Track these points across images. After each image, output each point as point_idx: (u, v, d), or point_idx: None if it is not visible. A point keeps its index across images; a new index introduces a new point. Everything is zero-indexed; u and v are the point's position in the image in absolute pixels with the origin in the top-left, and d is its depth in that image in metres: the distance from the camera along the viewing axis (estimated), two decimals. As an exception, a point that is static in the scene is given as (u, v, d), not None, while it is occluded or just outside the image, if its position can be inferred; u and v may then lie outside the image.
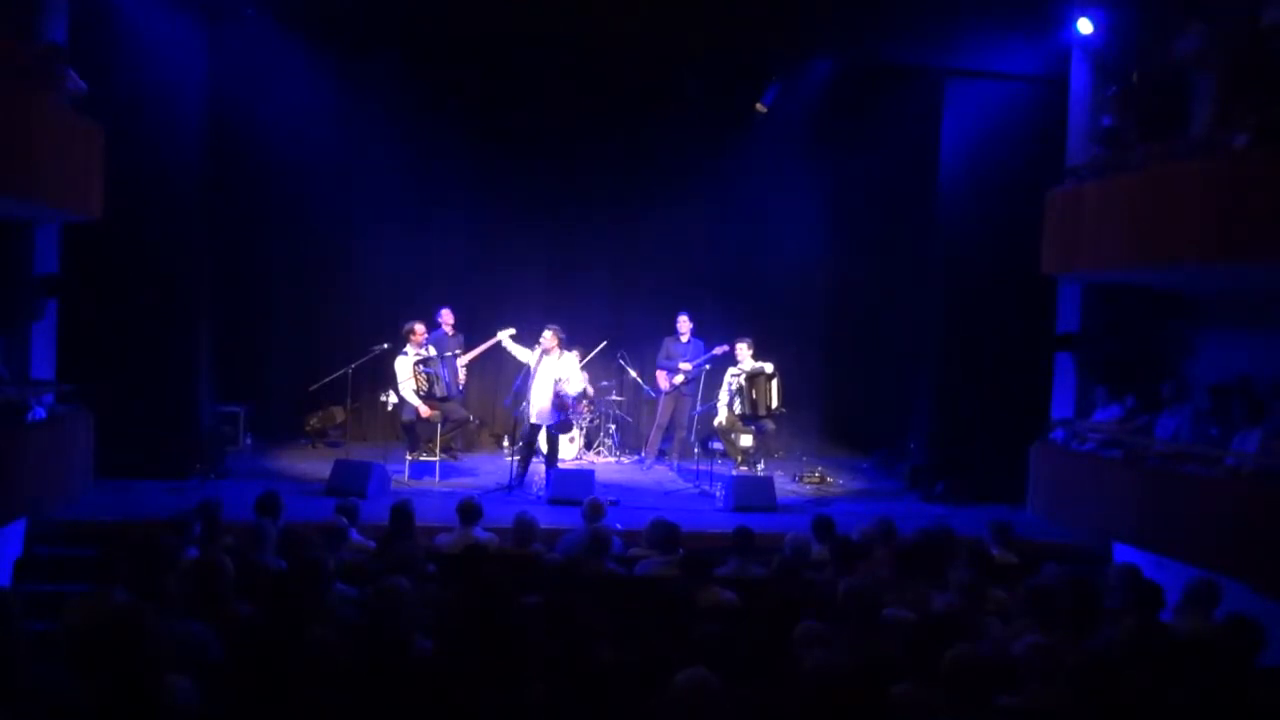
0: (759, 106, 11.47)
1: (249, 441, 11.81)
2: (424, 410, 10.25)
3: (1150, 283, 9.66)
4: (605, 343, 11.86)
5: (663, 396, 11.70)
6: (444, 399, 10.43)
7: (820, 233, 13.08)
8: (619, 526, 7.83)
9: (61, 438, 8.63)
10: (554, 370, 10.09)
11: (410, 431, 10.48)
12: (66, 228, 9.30)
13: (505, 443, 12.12)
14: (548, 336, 10.09)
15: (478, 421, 12.45)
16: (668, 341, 11.77)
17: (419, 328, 10.47)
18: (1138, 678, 4.50)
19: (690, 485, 10.62)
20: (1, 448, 7.46)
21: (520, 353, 10.36)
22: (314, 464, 10.81)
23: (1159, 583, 5.72)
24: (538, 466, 10.38)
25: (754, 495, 9.52)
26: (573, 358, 10.34)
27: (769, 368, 10.85)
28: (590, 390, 11.35)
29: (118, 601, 4.82)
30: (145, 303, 9.66)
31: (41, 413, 8.33)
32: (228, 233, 11.13)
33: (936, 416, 10.89)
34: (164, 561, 5.20)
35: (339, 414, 12.06)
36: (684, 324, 11.67)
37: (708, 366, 11.18)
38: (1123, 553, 8.68)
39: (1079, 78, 10.33)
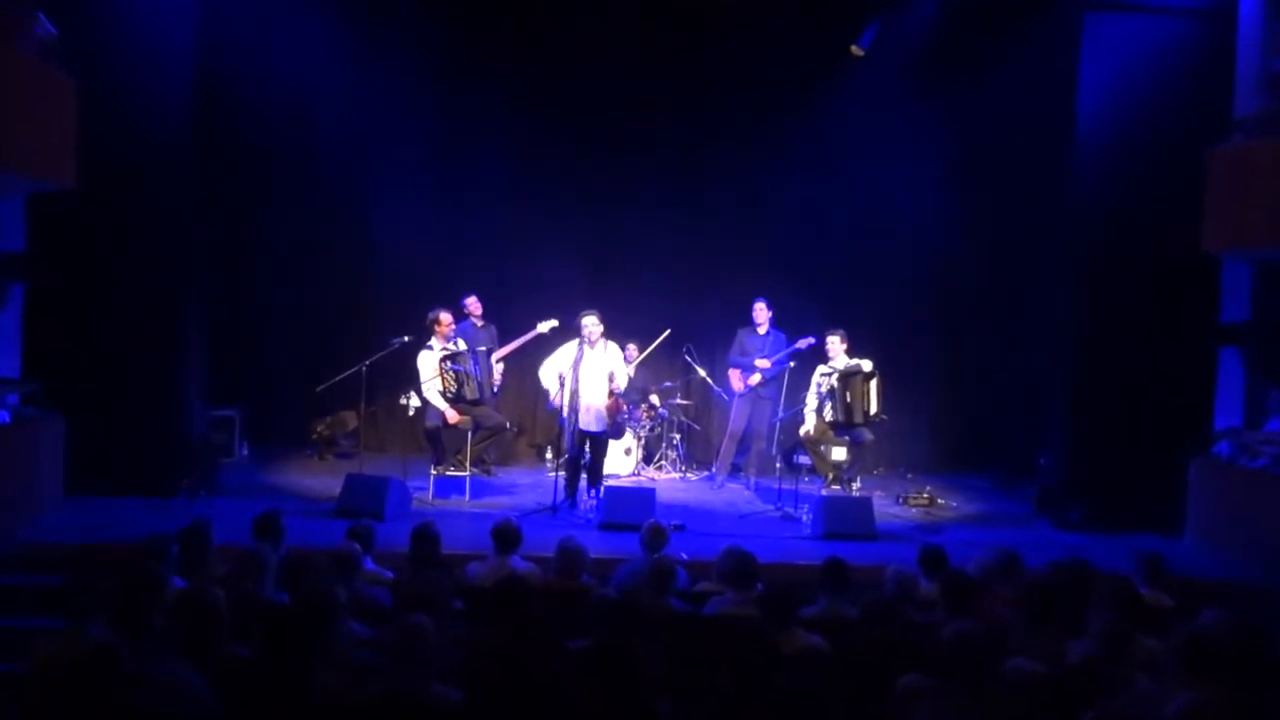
0: (855, 50, 11.39)
1: (245, 451, 12.00)
2: (451, 415, 10.32)
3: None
4: (669, 331, 11.83)
5: (737, 400, 11.67)
6: (475, 402, 10.50)
7: (930, 203, 12.87)
8: (684, 556, 7.82)
9: (27, 446, 8.80)
10: (602, 364, 10.12)
11: (435, 441, 10.55)
12: (33, 200, 9.48)
13: (548, 454, 12.17)
14: (591, 323, 10.07)
15: (515, 429, 12.51)
16: (742, 334, 11.74)
17: (445, 317, 10.55)
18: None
19: (771, 507, 10.58)
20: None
21: (559, 355, 10.34)
22: (322, 478, 10.93)
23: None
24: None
25: (848, 520, 9.46)
26: (617, 349, 10.37)
27: (867, 365, 10.78)
28: (656, 397, 11.37)
29: (93, 640, 4.91)
30: (126, 288, 9.82)
31: (4, 416, 8.50)
32: (223, 207, 11.28)
33: (1072, 425, 10.73)
34: (148, 593, 5.28)
35: (351, 419, 12.17)
36: (761, 313, 11.63)
37: (791, 364, 11.12)
38: (1303, 593, 8.50)
39: (1248, 10, 10.11)
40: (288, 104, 11.66)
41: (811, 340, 11.12)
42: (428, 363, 10.39)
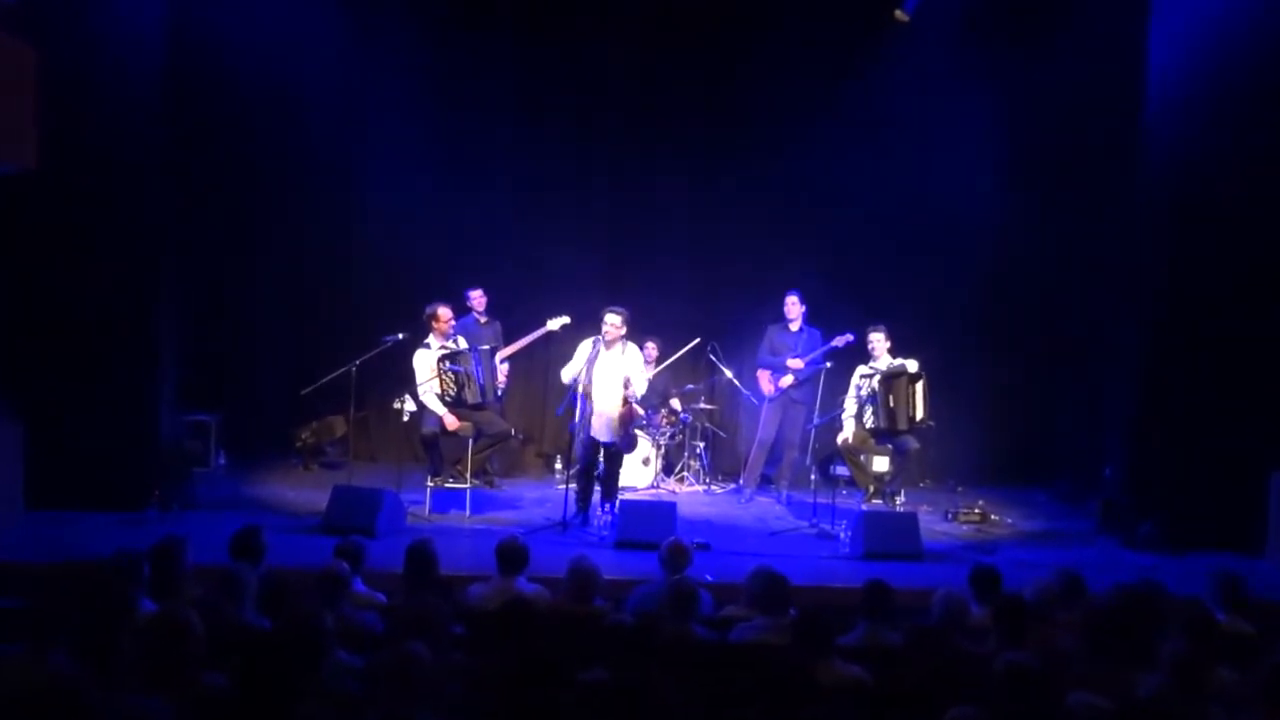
0: (899, 15, 11.38)
1: (222, 460, 12.05)
2: (450, 421, 10.33)
3: None
4: (698, 340, 11.83)
5: (767, 404, 11.66)
6: (477, 406, 10.50)
7: (982, 187, 12.81)
8: (709, 578, 7.83)
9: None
10: (618, 367, 10.09)
11: (432, 449, 10.56)
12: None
13: (558, 465, 12.18)
14: (613, 322, 10.03)
15: (521, 436, 12.53)
16: (772, 330, 11.73)
17: (444, 312, 10.55)
18: None
19: (805, 523, 10.58)
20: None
21: (579, 358, 10.28)
22: (307, 491, 10.97)
23: None
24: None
25: (891, 537, 9.45)
26: (636, 352, 10.34)
27: (912, 366, 10.76)
28: (677, 401, 11.33)
29: (54, 667, 4.93)
30: (92, 284, 9.86)
31: (-41, 424, 8.55)
32: (199, 191, 11.32)
33: (1142, 433, 10.69)
34: (115, 617, 5.30)
35: (339, 425, 12.22)
36: (794, 307, 11.62)
37: (827, 364, 11.08)
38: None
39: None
40: (272, 76, 11.65)
41: (850, 338, 11.10)
42: (424, 363, 10.40)
